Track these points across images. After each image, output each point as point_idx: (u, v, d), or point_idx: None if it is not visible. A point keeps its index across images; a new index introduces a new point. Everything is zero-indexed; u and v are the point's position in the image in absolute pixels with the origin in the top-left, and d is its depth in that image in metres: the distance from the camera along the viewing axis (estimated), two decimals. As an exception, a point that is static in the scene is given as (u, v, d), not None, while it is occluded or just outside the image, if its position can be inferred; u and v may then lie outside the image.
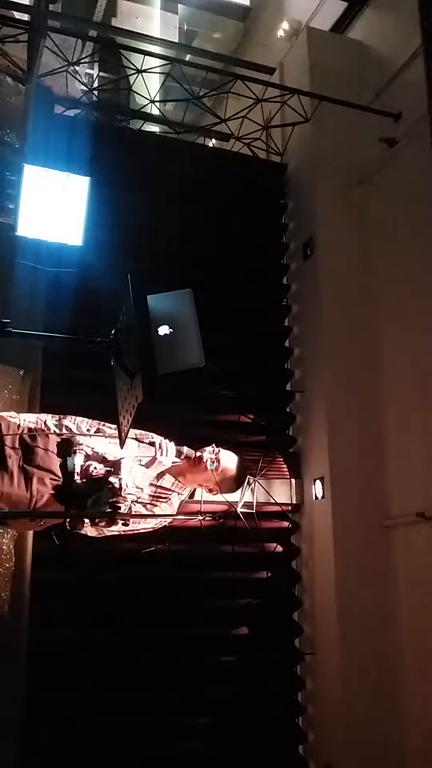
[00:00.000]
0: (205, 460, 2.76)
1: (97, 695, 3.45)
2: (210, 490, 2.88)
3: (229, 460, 2.85)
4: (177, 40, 6.96)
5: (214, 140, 5.43)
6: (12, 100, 4.00)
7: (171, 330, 2.06)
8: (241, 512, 3.83)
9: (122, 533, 2.71)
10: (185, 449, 2.78)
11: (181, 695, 3.60)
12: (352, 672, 3.57)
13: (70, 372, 3.64)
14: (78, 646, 3.43)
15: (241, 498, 3.85)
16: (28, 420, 2.71)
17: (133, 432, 2.81)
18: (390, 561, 3.74)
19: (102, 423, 2.79)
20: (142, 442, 2.84)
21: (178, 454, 2.76)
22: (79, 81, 4.29)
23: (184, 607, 3.73)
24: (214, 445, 2.85)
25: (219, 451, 2.82)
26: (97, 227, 3.63)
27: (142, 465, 2.68)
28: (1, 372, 3.42)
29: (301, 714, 3.85)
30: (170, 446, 2.73)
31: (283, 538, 4.04)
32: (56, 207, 3.30)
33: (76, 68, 4.16)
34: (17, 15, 4.17)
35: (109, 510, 2.45)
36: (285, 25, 5.72)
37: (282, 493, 4.03)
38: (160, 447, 2.70)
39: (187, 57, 6.00)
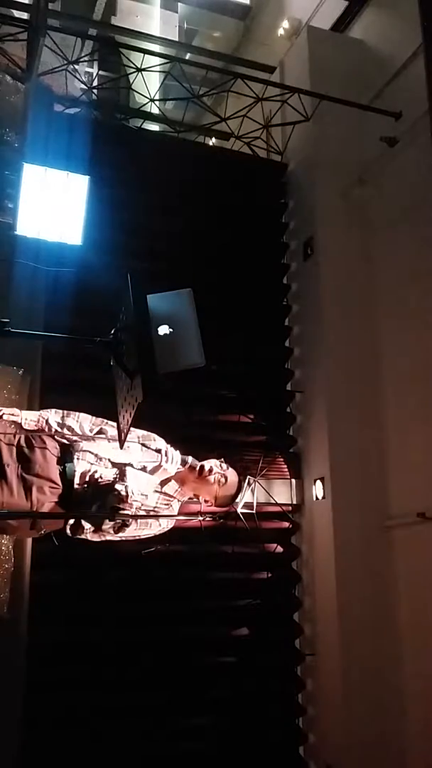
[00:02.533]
0: (213, 475, 2.79)
1: (97, 696, 3.45)
2: (206, 501, 2.92)
3: (233, 478, 2.89)
4: (177, 39, 6.94)
5: (214, 139, 5.42)
6: (11, 99, 3.99)
7: (171, 330, 2.05)
8: (241, 513, 3.82)
9: (123, 539, 2.71)
10: (190, 459, 2.80)
11: (181, 696, 3.59)
12: (353, 673, 3.56)
13: (69, 372, 3.63)
14: (77, 647, 3.42)
15: (242, 498, 3.84)
16: (29, 419, 2.69)
17: (137, 436, 2.82)
18: (390, 561, 3.73)
19: (105, 422, 2.78)
20: (148, 448, 2.83)
21: (183, 463, 2.78)
22: (79, 79, 4.28)
23: (184, 607, 3.72)
24: (222, 460, 2.87)
25: (228, 468, 2.86)
26: (96, 226, 3.63)
27: (147, 472, 2.69)
28: (0, 372, 3.41)
29: (302, 715, 3.84)
30: (176, 454, 2.75)
31: (283, 539, 4.04)
32: (56, 206, 3.29)
33: (76, 67, 4.15)
34: (17, 14, 4.17)
35: (111, 508, 2.45)
36: (285, 24, 5.71)
37: (282, 493, 4.02)
38: (166, 454, 2.71)
39: (187, 56, 5.99)
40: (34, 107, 3.81)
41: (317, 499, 3.88)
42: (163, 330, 2.04)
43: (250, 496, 3.87)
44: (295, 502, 4.04)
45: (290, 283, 4.51)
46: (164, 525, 2.80)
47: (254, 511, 3.86)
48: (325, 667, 3.72)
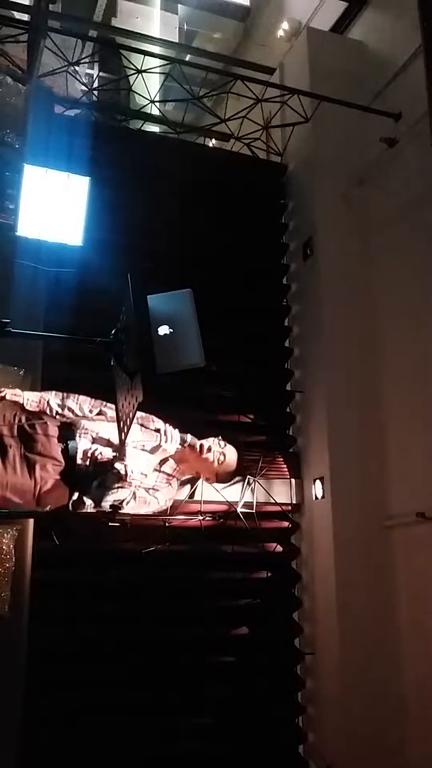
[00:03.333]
0: (212, 452, 2.82)
1: (97, 695, 3.45)
2: (207, 479, 2.95)
3: (232, 455, 2.91)
4: (177, 40, 6.97)
5: (214, 140, 5.43)
6: (12, 101, 4.00)
7: (171, 330, 2.06)
8: (241, 512, 3.83)
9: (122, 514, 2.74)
10: (189, 437, 2.83)
11: (181, 695, 3.60)
12: (352, 672, 3.56)
13: (70, 372, 3.63)
14: (78, 646, 3.43)
15: (241, 498, 3.85)
16: (32, 399, 2.73)
17: (137, 417, 2.85)
18: (390, 561, 3.74)
19: (104, 404, 2.81)
20: (147, 428, 2.86)
21: (182, 441, 2.80)
22: (79, 81, 4.29)
23: (184, 607, 3.73)
24: (220, 437, 2.90)
25: (225, 445, 2.89)
26: (97, 227, 3.64)
27: (146, 451, 2.72)
28: (1, 372, 3.42)
29: (301, 714, 3.85)
30: (175, 433, 2.78)
31: (283, 538, 4.04)
32: (56, 207, 3.30)
33: (76, 68, 4.16)
34: (17, 15, 4.18)
35: (110, 509, 2.48)
36: (285, 26, 5.73)
37: (282, 493, 4.03)
38: (165, 434, 2.74)
39: (187, 57, 6.01)
40: (35, 109, 3.82)
41: (317, 498, 3.89)
42: (163, 330, 2.05)
43: (250, 495, 3.88)
44: (294, 502, 4.05)
45: (290, 284, 4.52)
46: (162, 503, 2.82)
47: (254, 511, 3.87)
48: (324, 666, 3.72)
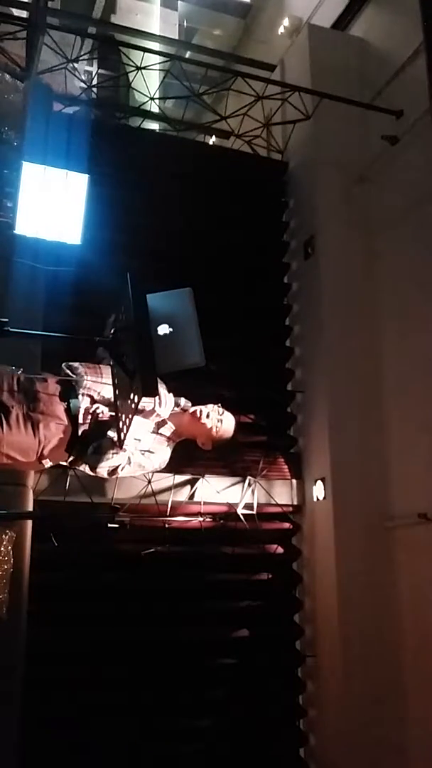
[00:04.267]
0: (210, 419, 2.84)
1: (96, 696, 3.43)
2: (202, 444, 2.96)
3: (229, 423, 2.95)
4: (177, 37, 6.95)
5: (214, 138, 5.40)
6: (10, 98, 3.97)
7: (171, 329, 2.04)
8: (241, 513, 3.80)
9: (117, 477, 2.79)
10: (183, 401, 2.83)
11: (181, 697, 3.57)
12: (353, 674, 3.54)
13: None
14: (76, 648, 3.40)
15: (242, 499, 3.82)
16: None
17: None
18: (392, 562, 3.71)
19: None
20: None
21: (176, 405, 2.80)
22: (78, 78, 4.27)
23: (184, 608, 3.71)
24: (219, 404, 2.91)
25: (223, 412, 2.90)
26: (96, 225, 3.62)
27: (141, 415, 2.72)
28: (-1, 372, 3.39)
29: (302, 716, 3.82)
30: (169, 398, 2.78)
31: (284, 540, 4.02)
32: (55, 205, 3.28)
33: (75, 65, 4.14)
34: (16, 12, 4.16)
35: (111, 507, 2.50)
36: (286, 22, 5.70)
37: (283, 494, 4.00)
38: (159, 398, 2.73)
39: (187, 54, 5.98)
40: (34, 106, 3.79)
41: (318, 499, 3.86)
42: (163, 330, 2.03)
43: (251, 496, 3.85)
44: (295, 503, 4.02)
45: (291, 283, 4.49)
46: (156, 465, 2.84)
47: (254, 512, 3.84)
48: (325, 668, 3.70)
